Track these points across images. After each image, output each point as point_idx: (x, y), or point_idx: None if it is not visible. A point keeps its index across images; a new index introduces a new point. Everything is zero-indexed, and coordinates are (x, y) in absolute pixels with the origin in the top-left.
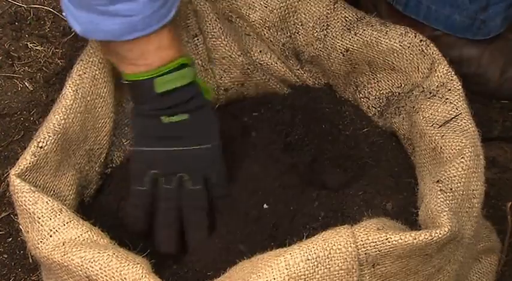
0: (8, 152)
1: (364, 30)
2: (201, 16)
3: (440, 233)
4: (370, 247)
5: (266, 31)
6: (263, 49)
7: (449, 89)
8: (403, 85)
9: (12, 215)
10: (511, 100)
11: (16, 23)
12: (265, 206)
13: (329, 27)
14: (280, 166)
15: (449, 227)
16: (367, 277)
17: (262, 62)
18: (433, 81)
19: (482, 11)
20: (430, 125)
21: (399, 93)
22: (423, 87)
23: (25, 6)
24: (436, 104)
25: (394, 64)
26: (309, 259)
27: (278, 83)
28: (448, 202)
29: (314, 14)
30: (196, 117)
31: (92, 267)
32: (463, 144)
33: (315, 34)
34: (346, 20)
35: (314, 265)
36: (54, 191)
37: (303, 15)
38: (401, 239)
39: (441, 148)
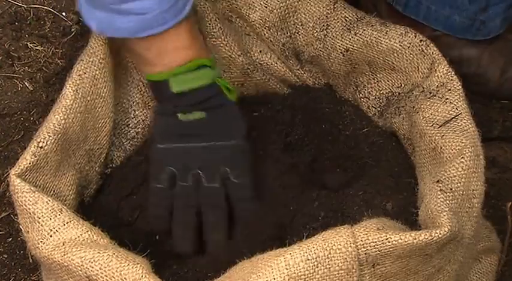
0: (8, 152)
1: (364, 30)
2: (201, 16)
3: (440, 233)
4: (370, 247)
5: (266, 31)
6: (263, 49)
7: (449, 89)
8: (403, 85)
9: (12, 215)
10: (511, 100)
11: (16, 23)
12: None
13: (329, 27)
14: (280, 166)
15: (449, 227)
16: (367, 277)
17: (262, 62)
18: (433, 81)
19: (481, 12)
20: (430, 125)
21: (399, 93)
22: (423, 87)
23: (25, 6)
24: (436, 104)
25: (394, 64)
26: (309, 259)
27: (278, 83)
28: (448, 202)
29: (314, 14)
30: (215, 116)
31: (92, 267)
32: (463, 144)
33: (315, 34)
34: (346, 20)
35: (314, 265)
36: (54, 191)
37: (303, 15)
38: (401, 239)
39: (441, 148)
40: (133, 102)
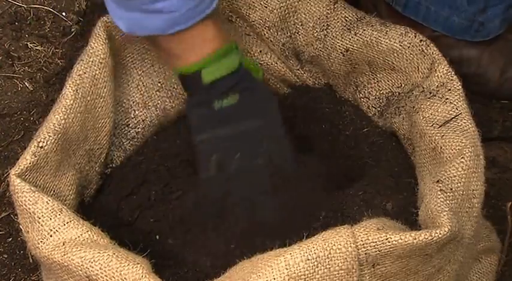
0: (8, 152)
1: (364, 30)
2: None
3: (440, 233)
4: (370, 247)
5: (266, 31)
6: (263, 49)
7: (449, 89)
8: (403, 85)
9: (12, 215)
10: (511, 100)
11: (16, 23)
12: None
13: (329, 27)
14: None
15: (449, 227)
16: (367, 277)
17: (262, 62)
18: (433, 81)
19: (480, 13)
20: (430, 125)
21: (399, 93)
22: (423, 87)
23: (25, 6)
24: (436, 104)
25: (394, 64)
26: (309, 259)
27: (278, 83)
28: (448, 202)
29: (314, 14)
30: (247, 97)
31: (92, 267)
32: (463, 144)
33: (315, 34)
34: (346, 20)
35: (314, 265)
36: (54, 191)
37: (303, 15)
38: (401, 239)
39: (441, 148)
40: (133, 102)
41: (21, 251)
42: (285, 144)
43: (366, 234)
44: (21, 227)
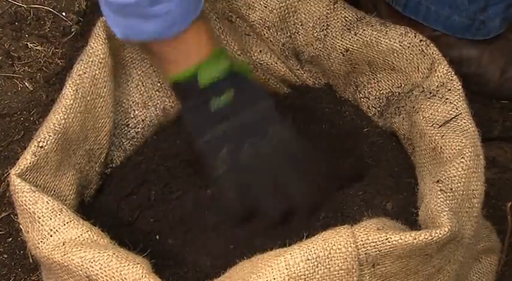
0: (8, 152)
1: (364, 30)
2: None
3: (440, 233)
4: (370, 247)
5: (266, 31)
6: (263, 49)
7: (449, 89)
8: (403, 85)
9: (12, 215)
10: (511, 100)
11: (16, 23)
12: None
13: (329, 27)
14: None
15: (449, 227)
16: (367, 277)
17: (262, 62)
18: (433, 81)
19: (481, 12)
20: (430, 125)
21: (399, 93)
22: (423, 87)
23: (25, 6)
24: (436, 104)
25: (394, 64)
26: (309, 259)
27: (278, 83)
28: (448, 202)
29: (314, 14)
30: (241, 92)
31: (92, 267)
32: (463, 144)
33: (315, 34)
34: (346, 20)
35: (314, 265)
36: (54, 191)
37: (303, 15)
38: (401, 239)
39: (441, 148)
40: (133, 102)
41: (21, 251)
42: (287, 126)
43: (366, 234)
44: (21, 227)
